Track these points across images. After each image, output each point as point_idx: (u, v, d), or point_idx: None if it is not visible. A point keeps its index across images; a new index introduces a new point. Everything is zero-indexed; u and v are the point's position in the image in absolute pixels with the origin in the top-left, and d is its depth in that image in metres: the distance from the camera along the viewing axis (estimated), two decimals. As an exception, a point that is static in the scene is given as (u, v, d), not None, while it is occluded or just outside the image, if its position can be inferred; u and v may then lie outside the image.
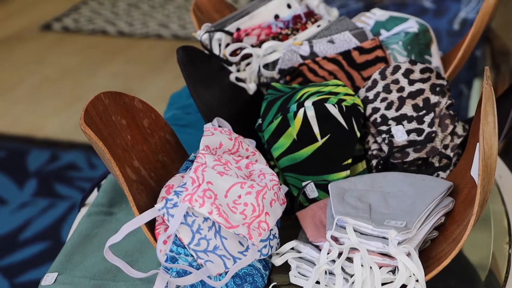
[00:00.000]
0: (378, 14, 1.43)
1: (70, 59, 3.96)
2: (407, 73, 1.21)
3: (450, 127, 1.19)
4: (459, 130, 1.20)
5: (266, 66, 1.34)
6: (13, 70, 3.86)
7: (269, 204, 1.02)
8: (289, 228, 1.13)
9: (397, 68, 1.22)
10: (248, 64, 1.35)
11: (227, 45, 1.37)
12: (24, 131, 3.26)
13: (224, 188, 1.00)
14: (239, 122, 1.25)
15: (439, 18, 2.15)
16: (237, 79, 1.34)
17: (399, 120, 1.18)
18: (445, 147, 1.18)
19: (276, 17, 1.40)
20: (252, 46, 1.37)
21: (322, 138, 1.16)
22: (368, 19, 1.43)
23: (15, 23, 4.40)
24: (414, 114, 1.18)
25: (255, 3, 1.41)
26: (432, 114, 1.18)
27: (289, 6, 1.40)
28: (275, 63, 1.34)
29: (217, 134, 1.09)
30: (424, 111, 1.18)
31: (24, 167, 2.94)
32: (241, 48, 1.35)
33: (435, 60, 1.41)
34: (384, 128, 1.19)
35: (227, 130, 1.12)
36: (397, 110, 1.19)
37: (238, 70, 1.36)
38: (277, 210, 1.04)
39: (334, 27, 1.36)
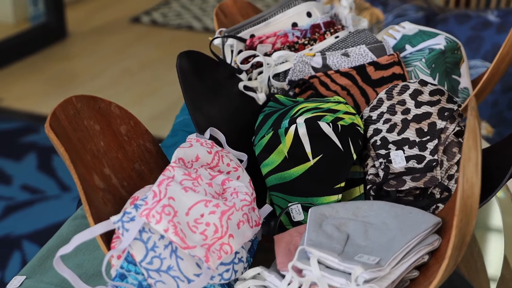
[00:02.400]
0: (407, 28, 1.33)
1: (153, 52, 4.00)
2: (415, 94, 1.12)
3: (458, 156, 1.09)
4: (469, 159, 1.10)
5: (277, 76, 1.28)
6: (98, 60, 3.93)
7: (235, 226, 0.96)
8: (271, 251, 1.06)
9: (405, 88, 1.13)
10: (260, 73, 1.29)
11: (240, 51, 1.31)
12: (97, 121, 3.30)
13: (187, 205, 0.95)
14: (246, 133, 1.20)
15: (502, 33, 2.01)
16: (247, 88, 1.28)
17: (400, 144, 1.10)
18: (450, 177, 1.08)
19: (294, 25, 1.33)
20: (266, 54, 1.30)
21: (313, 158, 1.09)
22: (395, 33, 1.34)
23: (107, 15, 4.48)
24: (417, 140, 1.09)
25: (273, 9, 1.34)
26: (436, 141, 1.08)
27: (309, 14, 1.33)
28: (287, 73, 1.27)
29: (195, 146, 1.03)
30: (428, 137, 1.09)
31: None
32: (254, 56, 1.29)
33: (464, 80, 1.31)
34: (382, 152, 1.10)
35: (209, 142, 1.06)
36: (399, 133, 1.10)
37: (250, 79, 1.30)
38: (245, 232, 0.98)
39: (350, 39, 1.27)
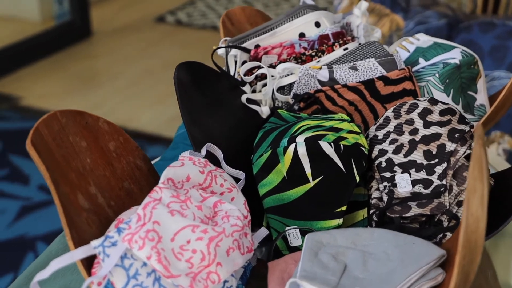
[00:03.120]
0: (422, 40, 1.26)
1: (175, 52, 3.95)
2: (425, 114, 1.05)
3: (468, 181, 1.01)
4: (481, 184, 1.02)
5: (281, 89, 1.21)
6: (121, 59, 3.89)
7: (224, 253, 0.90)
8: (266, 278, 1.00)
9: (414, 107, 1.06)
10: (264, 85, 1.23)
11: (244, 62, 1.25)
12: (117, 121, 3.27)
13: (172, 230, 0.89)
14: (247, 148, 1.14)
15: (528, 43, 1.92)
16: (250, 100, 1.22)
17: (406, 167, 1.03)
18: (459, 204, 1.01)
19: (302, 35, 1.26)
20: (272, 66, 1.24)
21: (314, 179, 1.02)
22: (409, 45, 1.26)
23: (132, 14, 4.45)
24: (425, 162, 1.02)
25: (280, 19, 1.28)
26: (444, 165, 1.01)
27: (317, 24, 1.27)
28: (292, 86, 1.21)
29: (187, 165, 0.97)
30: (437, 160, 1.02)
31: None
32: (258, 67, 1.23)
33: (481, 97, 1.23)
34: (387, 174, 1.03)
35: (203, 161, 1.00)
36: (406, 155, 1.03)
37: (254, 91, 1.24)
38: (236, 259, 0.92)
39: (359, 52, 1.21)
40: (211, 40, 4.18)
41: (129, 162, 1.01)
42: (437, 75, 1.19)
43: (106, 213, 0.97)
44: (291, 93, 1.20)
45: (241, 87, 1.22)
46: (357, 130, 1.06)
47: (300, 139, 1.02)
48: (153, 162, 1.32)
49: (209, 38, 4.13)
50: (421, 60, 1.23)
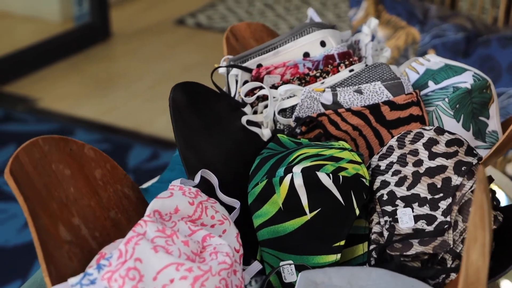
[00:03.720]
0: (432, 61, 1.20)
1: (195, 55, 3.91)
2: (430, 144, 0.99)
3: (475, 217, 0.95)
4: (488, 221, 0.96)
5: (283, 111, 1.16)
6: (140, 62, 3.86)
7: (211, 293, 0.85)
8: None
9: (419, 136, 1.00)
10: (266, 106, 1.18)
11: (246, 82, 1.20)
12: (132, 125, 3.24)
13: (155, 269, 0.84)
14: (246, 174, 1.08)
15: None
16: (251, 122, 1.17)
17: (409, 201, 0.97)
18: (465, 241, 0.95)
19: (306, 55, 1.21)
20: (274, 86, 1.19)
21: (311, 211, 0.97)
22: (418, 66, 1.20)
23: (152, 16, 4.41)
24: (429, 197, 0.96)
25: (284, 37, 1.22)
26: (450, 200, 0.95)
27: (323, 44, 1.21)
28: (294, 108, 1.15)
29: (176, 196, 0.93)
30: (441, 194, 0.96)
31: (125, 163, 2.91)
32: (260, 88, 1.17)
33: (493, 123, 1.17)
34: (389, 208, 0.97)
35: (193, 191, 0.95)
36: (409, 188, 0.98)
37: (256, 112, 1.19)
38: (223, 299, 0.86)
39: (365, 74, 1.15)
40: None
41: (116, 191, 0.96)
42: (446, 99, 1.13)
43: (89, 245, 0.92)
44: (293, 116, 1.14)
45: (241, 108, 1.17)
46: (358, 159, 1.00)
47: (297, 169, 0.97)
48: (150, 183, 1.27)
49: (229, 41, 4.08)
50: (430, 83, 1.17)
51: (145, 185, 1.24)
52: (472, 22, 2.02)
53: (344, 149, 1.02)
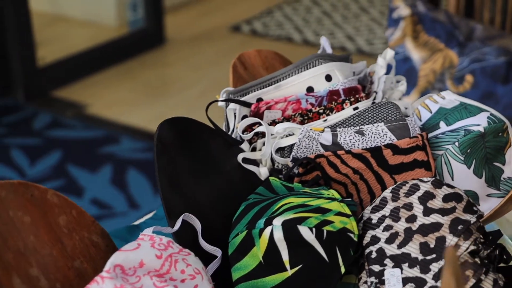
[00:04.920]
0: (447, 99, 1.11)
1: (247, 64, 3.85)
2: (426, 198, 0.90)
3: (472, 281, 0.87)
4: (487, 284, 0.87)
5: (281, 150, 1.09)
6: (193, 69, 3.83)
7: None
8: None
9: (415, 188, 0.92)
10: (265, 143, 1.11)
11: (245, 117, 1.13)
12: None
13: (110, 330, 0.78)
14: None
15: None
16: (248, 160, 1.10)
17: (398, 261, 0.89)
18: (459, 307, 0.86)
19: (310, 90, 1.13)
20: (275, 122, 1.12)
21: (292, 267, 0.90)
22: (432, 104, 1.12)
23: (208, 22, 4.38)
24: (420, 257, 0.88)
25: (287, 70, 1.15)
26: (442, 262, 0.86)
27: (328, 78, 1.13)
28: (293, 148, 1.08)
29: (142, 248, 0.87)
30: (434, 256, 0.87)
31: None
32: (259, 123, 1.11)
33: (509, 169, 1.07)
34: (376, 268, 0.89)
35: (164, 242, 0.89)
36: (400, 246, 0.89)
37: (254, 149, 1.12)
38: None
39: (369, 113, 1.07)
40: (285, 52, 4.06)
41: (82, 238, 0.91)
42: (456, 143, 1.04)
43: (51, 296, 0.87)
44: (291, 156, 1.07)
45: (238, 145, 1.11)
46: (348, 212, 0.93)
47: (278, 222, 0.90)
48: (144, 219, 1.22)
49: (283, 49, 4.00)
50: (442, 124, 1.08)
51: (137, 222, 1.19)
52: (518, 44, 1.90)
53: (334, 199, 0.94)
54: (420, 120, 1.11)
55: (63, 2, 4.28)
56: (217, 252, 0.96)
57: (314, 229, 0.89)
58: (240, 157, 1.09)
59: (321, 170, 1.04)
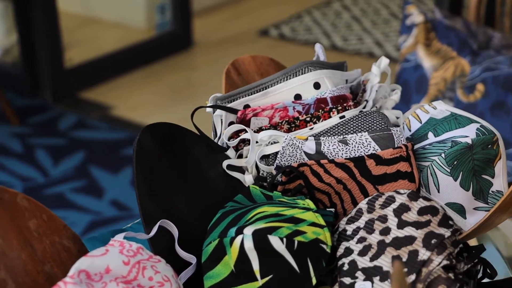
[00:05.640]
0: (438, 109, 1.09)
1: (272, 68, 3.84)
2: (401, 211, 0.88)
3: (445, 297, 0.85)
4: (462, 301, 0.85)
5: (266, 157, 1.08)
6: (219, 73, 3.79)
7: None
8: None
9: (390, 200, 0.90)
10: (251, 150, 1.10)
11: (231, 123, 1.12)
12: (203, 136, 3.20)
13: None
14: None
15: None
16: (233, 167, 1.09)
17: (369, 274, 0.87)
18: (431, 324, 0.84)
19: (297, 97, 1.12)
20: (262, 129, 1.11)
21: (262, 277, 0.89)
22: (422, 114, 1.09)
23: (236, 26, 4.38)
24: (391, 270, 0.86)
25: (275, 76, 1.14)
26: (413, 277, 0.84)
27: (317, 85, 1.12)
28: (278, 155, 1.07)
29: (110, 254, 0.86)
30: (405, 270, 0.85)
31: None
32: (245, 130, 1.09)
33: (499, 182, 1.04)
34: (347, 280, 0.88)
35: (134, 249, 0.89)
36: (372, 259, 0.88)
37: (241, 156, 1.11)
38: None
39: (354, 123, 1.05)
40: (311, 57, 4.04)
41: (53, 243, 0.91)
42: (443, 155, 1.01)
43: (19, 300, 0.87)
44: (275, 164, 1.06)
45: (224, 152, 1.10)
46: (322, 222, 0.91)
47: (248, 231, 0.88)
48: (131, 224, 1.21)
49: (310, 54, 3.98)
50: (430, 134, 1.05)
51: (125, 227, 1.19)
52: (535, 53, 1.86)
53: (309, 209, 0.93)
54: (410, 130, 1.09)
55: (95, 4, 4.32)
56: (192, 259, 0.95)
57: (285, 239, 0.87)
58: (225, 164, 1.08)
59: (304, 179, 1.03)
